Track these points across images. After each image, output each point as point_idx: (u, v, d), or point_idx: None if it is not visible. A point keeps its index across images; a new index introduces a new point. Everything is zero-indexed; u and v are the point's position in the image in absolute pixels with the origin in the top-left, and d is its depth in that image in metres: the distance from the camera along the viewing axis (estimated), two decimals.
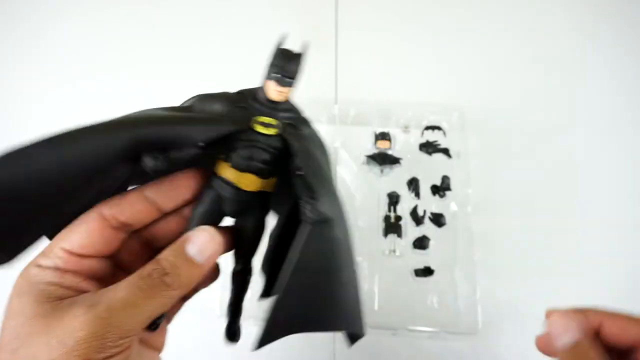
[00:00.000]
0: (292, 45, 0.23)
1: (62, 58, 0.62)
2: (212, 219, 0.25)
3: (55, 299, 0.21)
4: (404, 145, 0.53)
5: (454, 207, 0.49)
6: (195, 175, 0.25)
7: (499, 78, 0.61)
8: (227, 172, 0.23)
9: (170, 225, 0.26)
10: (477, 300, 0.45)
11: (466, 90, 0.59)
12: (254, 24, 0.63)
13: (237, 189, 0.23)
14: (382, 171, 0.51)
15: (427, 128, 0.54)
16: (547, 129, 0.57)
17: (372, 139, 0.52)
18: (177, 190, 0.25)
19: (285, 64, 0.22)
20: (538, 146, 0.56)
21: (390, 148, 0.52)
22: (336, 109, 0.53)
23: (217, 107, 0.24)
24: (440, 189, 0.50)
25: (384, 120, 0.53)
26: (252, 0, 0.65)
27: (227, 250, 0.26)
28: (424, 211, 0.49)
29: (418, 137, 0.53)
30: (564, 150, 0.56)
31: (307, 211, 0.22)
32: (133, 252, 0.26)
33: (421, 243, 0.48)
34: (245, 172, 0.23)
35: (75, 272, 0.23)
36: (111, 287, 0.22)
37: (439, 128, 0.53)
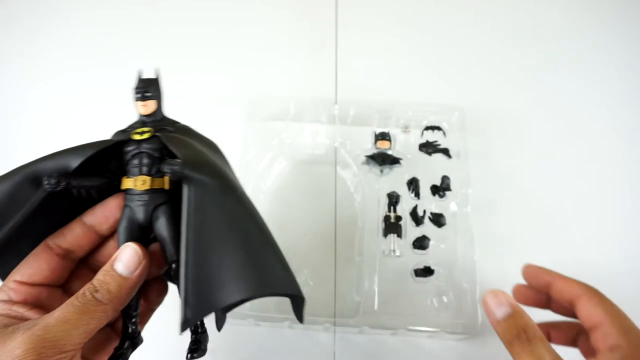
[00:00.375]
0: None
1: (62, 58, 0.62)
2: (134, 234, 0.28)
3: (2, 327, 0.24)
4: (404, 145, 0.53)
5: (453, 207, 0.49)
6: (121, 196, 0.29)
7: (499, 78, 0.61)
8: (127, 183, 0.28)
9: (109, 251, 0.29)
10: (477, 300, 0.45)
11: (466, 90, 0.59)
12: (255, 24, 0.63)
13: (137, 193, 0.28)
14: (382, 171, 0.51)
15: (427, 128, 0.54)
16: (547, 128, 0.57)
17: (372, 139, 0.52)
18: (107, 210, 0.28)
19: (141, 84, 0.29)
20: (538, 146, 0.56)
21: (390, 148, 0.52)
22: (336, 109, 0.53)
23: (116, 137, 0.29)
24: (440, 189, 0.50)
25: (384, 120, 0.53)
26: (252, 0, 0.65)
27: (160, 264, 0.29)
28: (424, 211, 0.49)
29: (418, 137, 0.53)
30: (564, 149, 0.56)
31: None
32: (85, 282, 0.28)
33: (421, 243, 0.48)
34: (138, 175, 0.28)
35: (23, 302, 0.26)
36: (51, 312, 0.24)
37: (439, 128, 0.53)
